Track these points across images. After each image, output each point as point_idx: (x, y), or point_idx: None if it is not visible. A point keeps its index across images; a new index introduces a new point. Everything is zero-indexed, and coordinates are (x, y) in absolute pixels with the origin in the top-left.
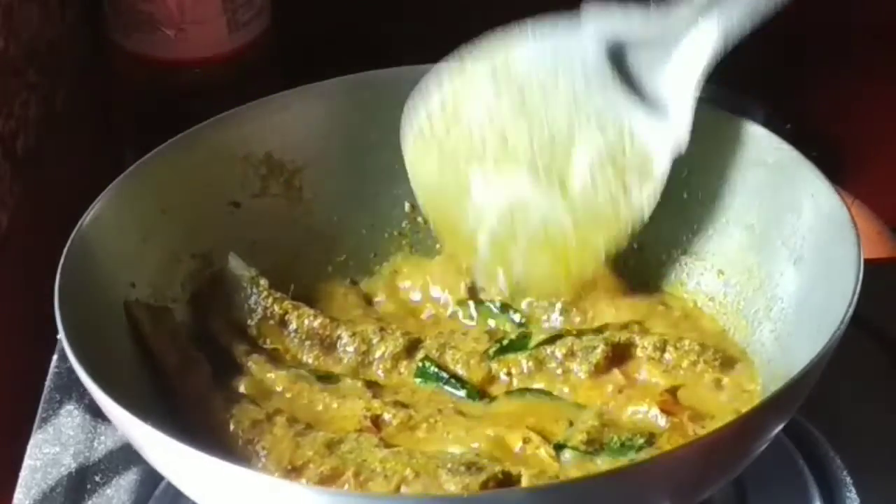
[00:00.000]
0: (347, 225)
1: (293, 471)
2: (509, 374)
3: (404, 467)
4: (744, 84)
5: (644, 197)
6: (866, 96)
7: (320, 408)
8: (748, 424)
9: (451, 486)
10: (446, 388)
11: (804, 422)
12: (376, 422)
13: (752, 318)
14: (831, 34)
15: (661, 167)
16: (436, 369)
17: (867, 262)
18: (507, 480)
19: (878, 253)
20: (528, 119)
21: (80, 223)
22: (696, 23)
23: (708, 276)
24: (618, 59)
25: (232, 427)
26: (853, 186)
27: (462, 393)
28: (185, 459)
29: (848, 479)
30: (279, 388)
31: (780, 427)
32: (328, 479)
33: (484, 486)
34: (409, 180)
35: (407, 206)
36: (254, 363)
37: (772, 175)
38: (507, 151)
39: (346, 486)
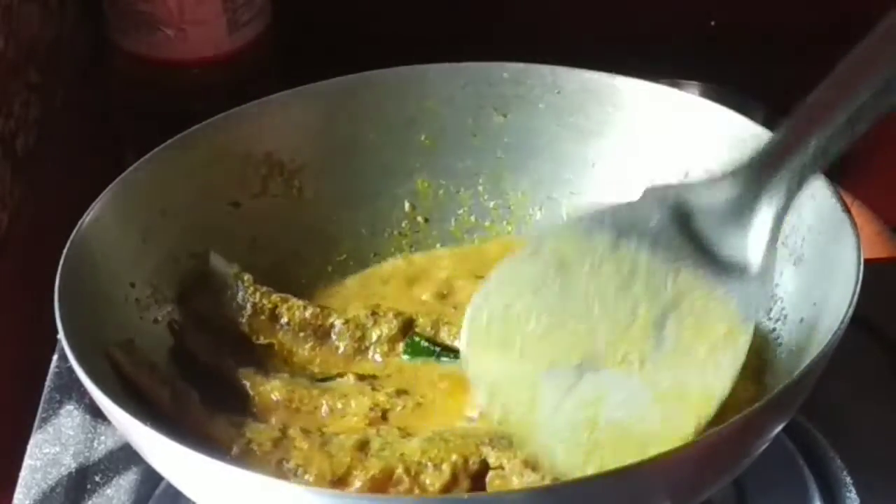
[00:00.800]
0: (347, 225)
1: (339, 482)
2: None
3: (449, 453)
4: (744, 84)
5: (729, 363)
6: None
7: (325, 411)
8: (748, 424)
9: (504, 459)
10: (441, 360)
11: (804, 422)
12: (385, 415)
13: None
14: (832, 34)
15: (746, 331)
16: (426, 343)
17: (867, 262)
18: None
19: (878, 253)
20: (598, 303)
21: (80, 223)
22: (763, 183)
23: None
24: (685, 225)
25: (256, 450)
26: (853, 186)
27: (456, 364)
28: (184, 461)
29: (848, 479)
30: (275, 398)
31: (781, 427)
32: (381, 483)
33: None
34: (471, 384)
35: (407, 205)
36: (245, 378)
37: None
38: (577, 342)
39: (402, 486)
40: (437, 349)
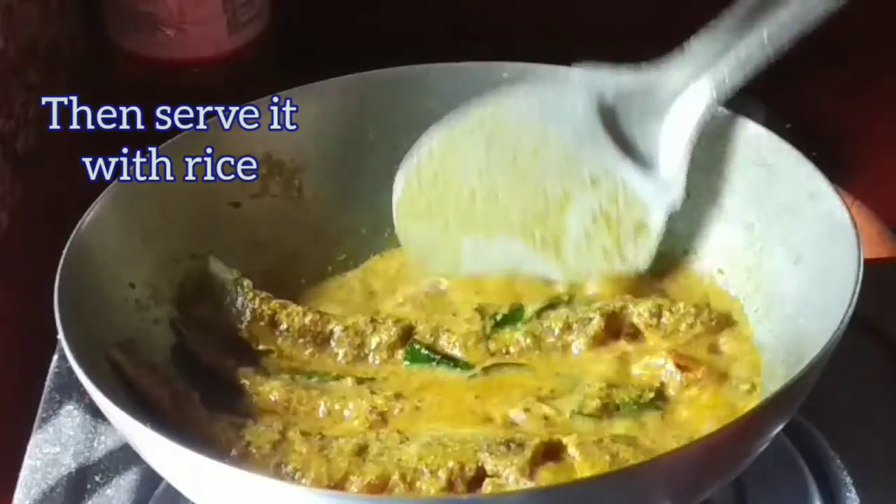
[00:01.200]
0: (347, 225)
1: (336, 487)
2: (507, 352)
3: (445, 459)
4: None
5: (639, 254)
6: (866, 96)
7: (322, 412)
8: (748, 425)
9: (501, 467)
10: (439, 368)
11: (804, 422)
12: (384, 417)
13: (751, 317)
14: (831, 34)
15: (656, 224)
16: (426, 351)
17: (867, 262)
18: (552, 450)
19: (878, 253)
20: (518, 177)
21: (80, 223)
22: (688, 82)
23: (707, 275)
24: (609, 116)
25: (254, 452)
26: (853, 186)
27: (455, 372)
28: (183, 462)
29: (848, 479)
30: (274, 398)
31: (781, 427)
32: (377, 489)
33: (533, 460)
34: (401, 244)
35: None
36: (244, 378)
37: (772, 175)
38: (498, 214)
39: (397, 491)
40: (437, 357)
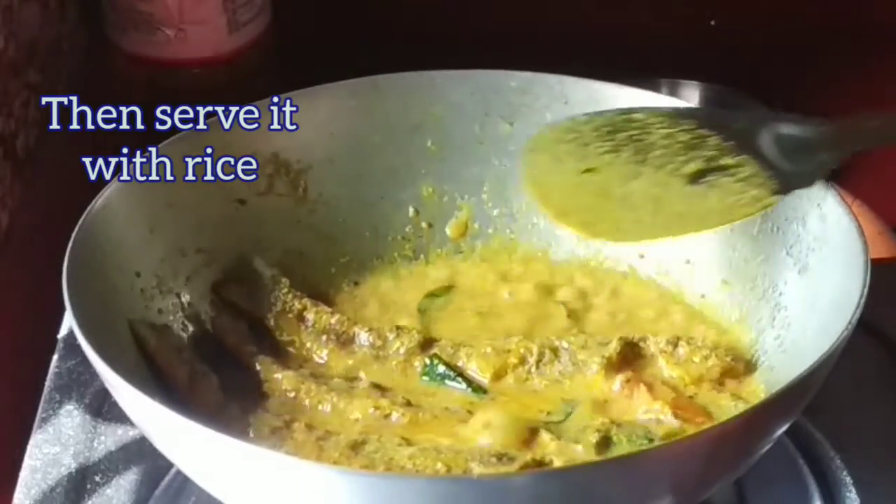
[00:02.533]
0: (351, 227)
1: None
2: (523, 362)
3: (434, 462)
4: (744, 84)
5: (738, 213)
6: (866, 96)
7: (328, 408)
8: (753, 421)
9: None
10: (451, 384)
11: (804, 422)
12: (386, 419)
13: (756, 326)
14: (832, 34)
15: (772, 202)
16: (443, 368)
17: None
18: (539, 468)
19: (879, 253)
20: (659, 152)
21: (89, 208)
22: (835, 142)
23: (712, 285)
24: (761, 135)
25: (251, 435)
26: (853, 186)
27: (467, 389)
28: (190, 436)
29: (848, 479)
30: (286, 388)
31: (784, 428)
32: None
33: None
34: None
35: (411, 210)
36: (260, 364)
37: None
38: (629, 166)
39: None
40: (452, 374)
